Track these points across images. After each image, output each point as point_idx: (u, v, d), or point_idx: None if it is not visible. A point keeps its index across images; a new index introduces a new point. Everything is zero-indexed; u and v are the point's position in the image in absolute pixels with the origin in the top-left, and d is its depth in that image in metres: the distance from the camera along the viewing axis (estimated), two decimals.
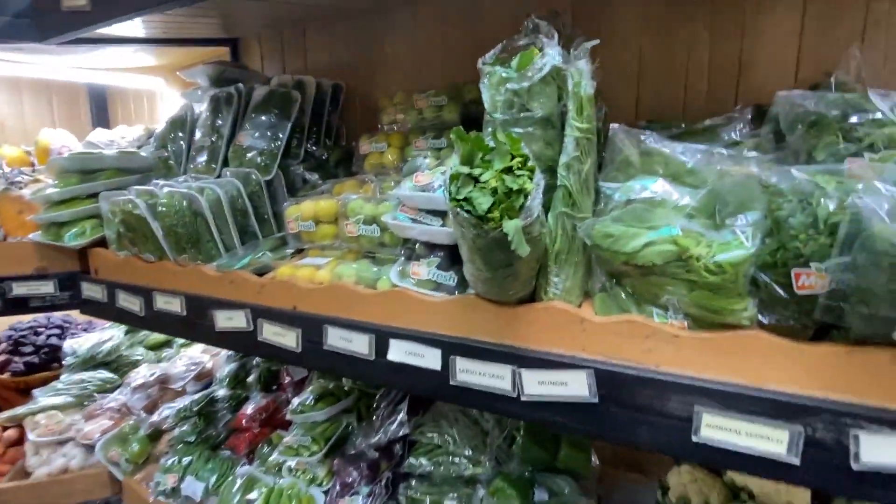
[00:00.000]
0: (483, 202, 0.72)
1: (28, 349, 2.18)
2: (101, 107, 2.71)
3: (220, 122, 1.61)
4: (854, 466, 0.63)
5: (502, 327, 0.89)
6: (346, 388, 1.73)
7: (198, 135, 1.64)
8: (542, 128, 0.87)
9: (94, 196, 1.61)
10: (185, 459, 1.67)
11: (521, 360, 0.85)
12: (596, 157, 0.86)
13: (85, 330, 2.33)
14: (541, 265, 0.87)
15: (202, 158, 1.57)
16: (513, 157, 0.75)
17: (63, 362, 2.13)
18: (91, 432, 1.83)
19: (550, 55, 0.81)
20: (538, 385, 0.83)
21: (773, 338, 0.69)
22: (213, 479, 1.62)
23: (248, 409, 1.81)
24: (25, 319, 2.34)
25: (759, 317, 0.71)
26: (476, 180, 0.75)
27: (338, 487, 1.47)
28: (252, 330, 1.18)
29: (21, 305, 1.58)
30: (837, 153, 0.75)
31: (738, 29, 1.26)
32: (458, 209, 0.74)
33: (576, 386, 0.80)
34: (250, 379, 1.98)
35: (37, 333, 2.25)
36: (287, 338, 1.12)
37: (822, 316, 0.63)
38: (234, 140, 1.54)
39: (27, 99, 2.51)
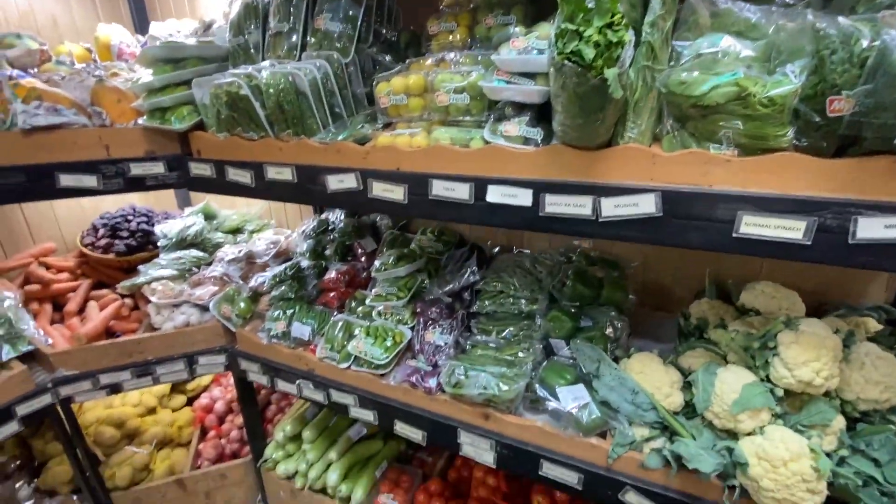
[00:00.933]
0: (589, 53, 0.91)
1: (124, 234, 2.48)
2: (139, 3, 2.71)
3: (293, 7, 1.70)
4: (850, 241, 0.90)
5: (585, 167, 1.13)
6: (417, 253, 2.05)
7: (272, 21, 1.74)
8: None
9: (184, 83, 1.77)
10: (289, 311, 2.04)
11: (601, 189, 1.10)
12: (674, 17, 1.03)
13: (167, 217, 2.62)
14: (620, 114, 1.08)
15: (283, 43, 1.70)
16: (612, 15, 0.92)
17: (158, 244, 2.44)
18: (202, 295, 2.19)
19: None
20: (614, 208, 1.09)
21: (803, 156, 0.93)
22: (315, 324, 2.00)
23: (332, 273, 2.15)
24: (113, 209, 2.62)
25: (794, 141, 0.94)
26: (580, 36, 0.94)
27: (422, 323, 1.83)
28: (362, 189, 1.43)
29: (139, 184, 1.82)
30: (874, 6, 0.91)
31: None
32: (566, 61, 0.93)
33: (645, 205, 1.06)
34: (328, 252, 2.30)
35: (128, 220, 2.54)
36: (395, 192, 1.38)
37: (846, 130, 0.85)
38: (313, 23, 1.65)
39: None
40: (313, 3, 1.71)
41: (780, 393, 1.19)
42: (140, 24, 2.74)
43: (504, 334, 1.73)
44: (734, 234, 0.99)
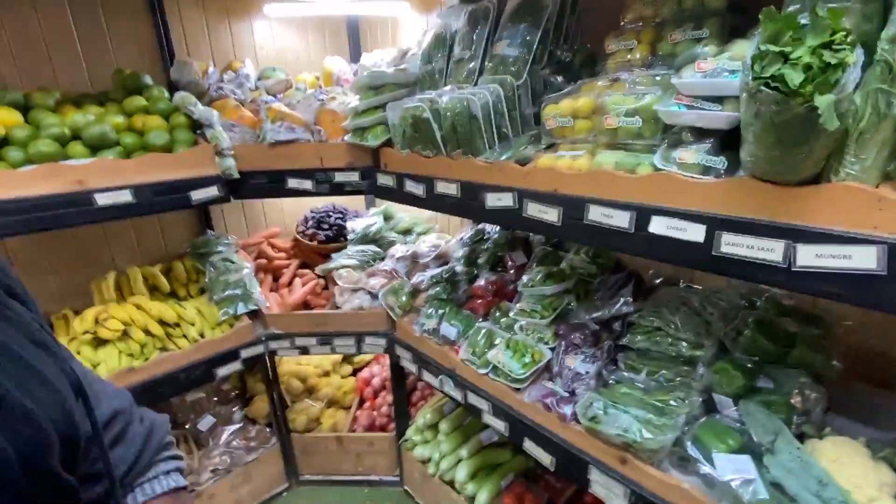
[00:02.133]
0: (795, 77, 0.78)
1: (325, 226, 3.04)
2: (355, 35, 3.28)
3: (475, 35, 1.85)
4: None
5: (778, 206, 0.96)
6: (567, 273, 2.01)
7: (456, 49, 1.93)
8: (862, 1, 0.84)
9: (380, 107, 2.09)
10: (440, 311, 2.22)
11: (799, 234, 0.93)
12: None
13: (356, 216, 3.11)
14: (836, 146, 0.89)
15: (463, 69, 1.86)
16: (833, 33, 0.77)
17: (348, 237, 2.92)
18: (374, 285, 2.54)
19: None
20: (815, 258, 0.91)
21: None
22: (462, 327, 2.13)
23: (482, 281, 2.26)
24: (319, 206, 3.23)
25: None
26: (785, 58, 0.81)
27: (563, 346, 1.80)
28: (518, 208, 1.48)
29: (339, 189, 2.23)
30: None
31: None
32: (765, 87, 0.82)
33: (861, 259, 0.86)
34: (480, 260, 2.42)
35: (329, 216, 3.10)
36: (549, 214, 1.39)
37: None
38: (492, 50, 1.77)
39: (310, 34, 3.20)
40: (495, 30, 1.83)
41: None
42: (355, 54, 3.30)
43: (656, 377, 1.57)
44: None
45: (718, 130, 1.07)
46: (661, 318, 1.65)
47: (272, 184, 2.21)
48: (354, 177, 2.18)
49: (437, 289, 2.32)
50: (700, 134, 1.11)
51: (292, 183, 2.20)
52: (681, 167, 1.12)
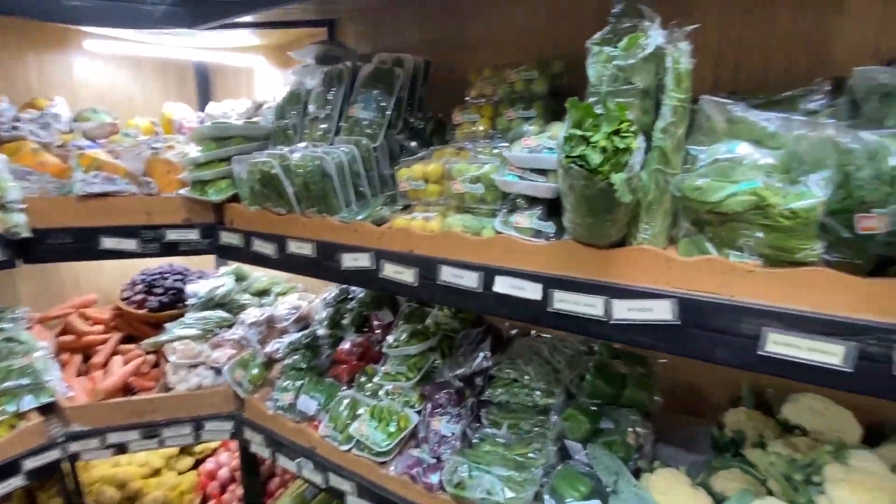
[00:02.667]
0: (595, 158, 0.91)
1: (159, 290, 2.60)
2: (204, 82, 3.06)
3: (331, 95, 1.85)
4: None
5: (596, 266, 1.08)
6: (431, 330, 2.00)
7: (311, 107, 1.90)
8: (640, 98, 1.03)
9: (226, 160, 1.92)
10: (298, 382, 2.01)
11: (613, 291, 1.05)
12: (687, 123, 1.02)
13: (200, 277, 2.74)
14: (634, 214, 1.05)
15: (319, 127, 1.83)
16: (621, 122, 0.93)
17: (187, 302, 2.53)
18: (218, 358, 2.21)
19: (654, 37, 0.97)
20: (627, 311, 1.03)
21: (839, 273, 0.85)
22: (323, 399, 1.94)
23: (346, 345, 2.12)
24: (153, 266, 2.77)
25: (825, 255, 0.87)
26: (587, 141, 0.94)
27: (429, 408, 1.74)
28: (375, 268, 1.44)
29: (173, 249, 1.93)
30: None
31: (819, 6, 1.34)
32: (573, 165, 0.93)
33: (660, 311, 0.99)
34: (345, 321, 2.29)
35: (164, 278, 2.67)
36: (406, 275, 1.37)
37: (880, 250, 0.78)
38: (346, 111, 1.78)
39: (148, 76, 2.88)
40: (350, 93, 1.85)
41: None
42: (203, 102, 3.06)
43: (517, 429, 1.60)
44: (759, 352, 0.90)
45: (546, 199, 1.19)
46: (516, 370, 1.72)
47: (79, 244, 1.82)
48: (193, 234, 1.92)
49: (296, 357, 2.11)
50: (532, 201, 1.22)
51: (108, 243, 1.84)
52: (518, 231, 1.21)
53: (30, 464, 1.91)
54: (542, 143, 1.14)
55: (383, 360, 2.04)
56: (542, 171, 1.16)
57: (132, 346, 2.45)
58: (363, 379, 1.98)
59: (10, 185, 1.76)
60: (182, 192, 1.92)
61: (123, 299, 2.60)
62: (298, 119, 1.92)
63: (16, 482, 1.88)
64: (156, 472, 2.62)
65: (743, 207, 0.90)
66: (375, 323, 2.26)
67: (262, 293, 2.75)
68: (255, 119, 2.08)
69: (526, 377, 1.68)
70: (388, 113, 1.73)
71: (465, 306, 1.26)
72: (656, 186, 1.01)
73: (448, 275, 1.29)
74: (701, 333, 0.96)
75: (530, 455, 1.53)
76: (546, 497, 1.36)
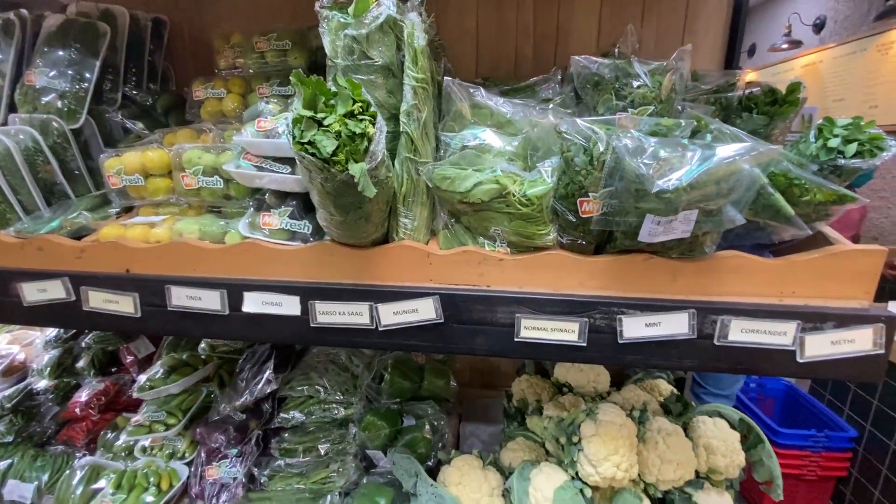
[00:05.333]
0: (327, 145, 0.75)
1: None
2: None
3: None
4: (620, 341, 0.87)
5: (358, 268, 0.95)
6: (203, 357, 1.64)
7: None
8: (383, 76, 0.91)
9: None
10: (3, 464, 1.42)
11: (377, 295, 0.93)
12: (434, 106, 0.95)
13: None
14: (391, 208, 0.94)
15: None
16: (354, 102, 0.79)
17: None
18: None
19: (385, 4, 0.85)
20: (393, 315, 0.93)
21: (566, 254, 0.89)
22: (46, 477, 1.42)
23: (83, 395, 1.59)
24: None
25: (559, 239, 0.90)
26: (320, 124, 0.77)
27: (203, 456, 1.42)
28: (74, 300, 1.04)
29: None
30: (612, 107, 0.95)
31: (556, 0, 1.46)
32: (303, 153, 0.76)
33: (425, 311, 0.92)
34: (80, 364, 1.72)
35: None
36: (122, 304, 1.02)
37: (597, 229, 0.83)
38: (22, 79, 1.25)
39: None
40: (27, 53, 1.31)
41: (589, 493, 1.11)
42: None
43: (313, 453, 1.42)
44: (517, 339, 0.90)
45: (298, 193, 1.00)
46: (310, 385, 1.52)
47: None
48: None
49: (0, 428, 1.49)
50: (281, 197, 1.01)
51: None
52: (269, 234, 0.99)
53: None
54: (279, 125, 0.93)
55: (142, 406, 1.60)
56: (289, 160, 0.97)
57: None
58: (109, 436, 1.52)
59: None
60: None
61: None
62: None
63: None
64: None
65: (489, 196, 0.87)
66: (129, 359, 1.76)
67: None
68: None
69: (321, 391, 1.50)
70: (89, 83, 1.28)
71: (208, 335, 1.00)
72: (409, 177, 0.92)
73: (181, 297, 0.99)
74: (464, 328, 0.92)
75: (330, 477, 1.37)
76: None
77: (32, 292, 1.05)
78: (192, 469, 1.41)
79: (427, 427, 1.42)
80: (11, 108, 1.29)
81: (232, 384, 1.57)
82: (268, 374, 1.48)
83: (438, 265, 0.93)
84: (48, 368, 1.70)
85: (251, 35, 1.39)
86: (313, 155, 0.76)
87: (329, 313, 0.95)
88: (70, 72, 1.29)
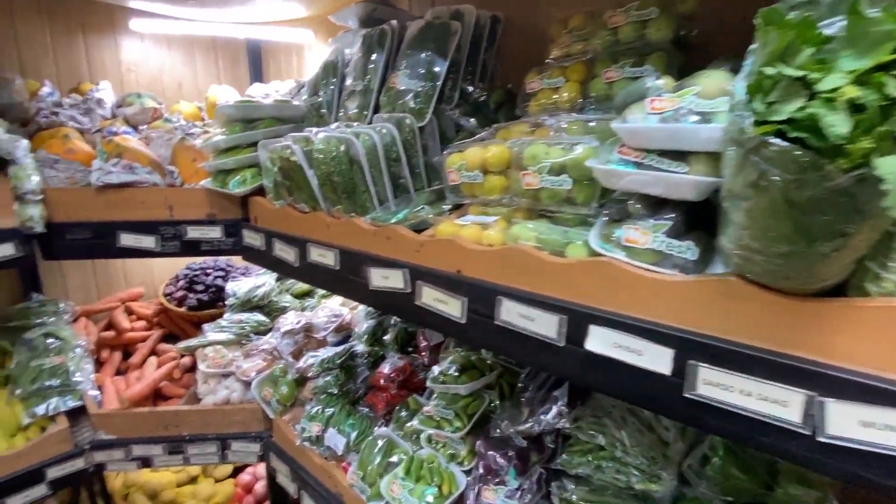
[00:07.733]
0: (838, 123, 0.42)
1: (200, 287, 2.43)
2: (256, 63, 2.84)
3: (371, 63, 1.47)
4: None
5: (790, 328, 0.59)
6: (488, 362, 1.58)
7: (349, 79, 1.53)
8: None
9: (254, 145, 1.62)
10: (328, 411, 1.69)
11: (824, 381, 0.55)
12: None
13: (243, 274, 2.53)
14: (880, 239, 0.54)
15: (353, 104, 1.46)
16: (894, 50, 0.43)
17: (226, 302, 2.33)
18: (248, 370, 1.96)
19: None
20: (858, 427, 0.53)
21: None
22: (354, 435, 1.61)
23: (385, 368, 1.76)
24: (198, 261, 2.62)
25: None
26: (810, 87, 0.45)
27: (481, 471, 1.33)
28: (410, 292, 1.04)
29: (194, 248, 1.68)
30: None
31: None
32: (777, 139, 0.45)
33: None
34: (387, 338, 1.93)
35: (206, 274, 2.50)
36: (450, 306, 0.96)
37: None
38: (387, 82, 1.39)
39: (199, 59, 2.71)
40: (393, 58, 1.46)
41: None
42: (257, 82, 2.84)
43: None
44: None
45: (685, 201, 0.71)
46: (604, 434, 1.24)
47: (98, 240, 1.63)
48: (215, 232, 1.66)
49: (328, 378, 1.80)
50: (653, 206, 0.74)
51: (127, 240, 1.62)
52: (630, 254, 0.74)
53: (54, 473, 1.79)
54: (685, 104, 0.66)
55: (428, 393, 1.66)
56: (681, 155, 0.68)
57: (170, 346, 2.30)
58: (403, 414, 1.62)
59: (30, 173, 1.60)
60: (203, 183, 1.66)
61: (166, 295, 2.47)
62: (334, 95, 1.57)
63: (38, 491, 1.77)
64: (193, 479, 2.48)
65: None
66: (422, 343, 1.88)
67: (305, 295, 2.49)
68: (287, 99, 1.77)
69: (617, 446, 1.21)
70: (438, 81, 1.32)
71: (538, 364, 0.83)
72: None
73: (512, 313, 0.85)
74: None
75: None
76: None
77: (377, 278, 1.12)
78: (470, 481, 1.34)
79: None
80: (376, 109, 1.47)
81: (514, 400, 1.45)
82: (559, 406, 1.27)
83: None
84: (365, 336, 1.97)
85: (595, 14, 1.19)
86: (797, 141, 0.44)
87: (720, 386, 0.63)
88: (423, 72, 1.37)
